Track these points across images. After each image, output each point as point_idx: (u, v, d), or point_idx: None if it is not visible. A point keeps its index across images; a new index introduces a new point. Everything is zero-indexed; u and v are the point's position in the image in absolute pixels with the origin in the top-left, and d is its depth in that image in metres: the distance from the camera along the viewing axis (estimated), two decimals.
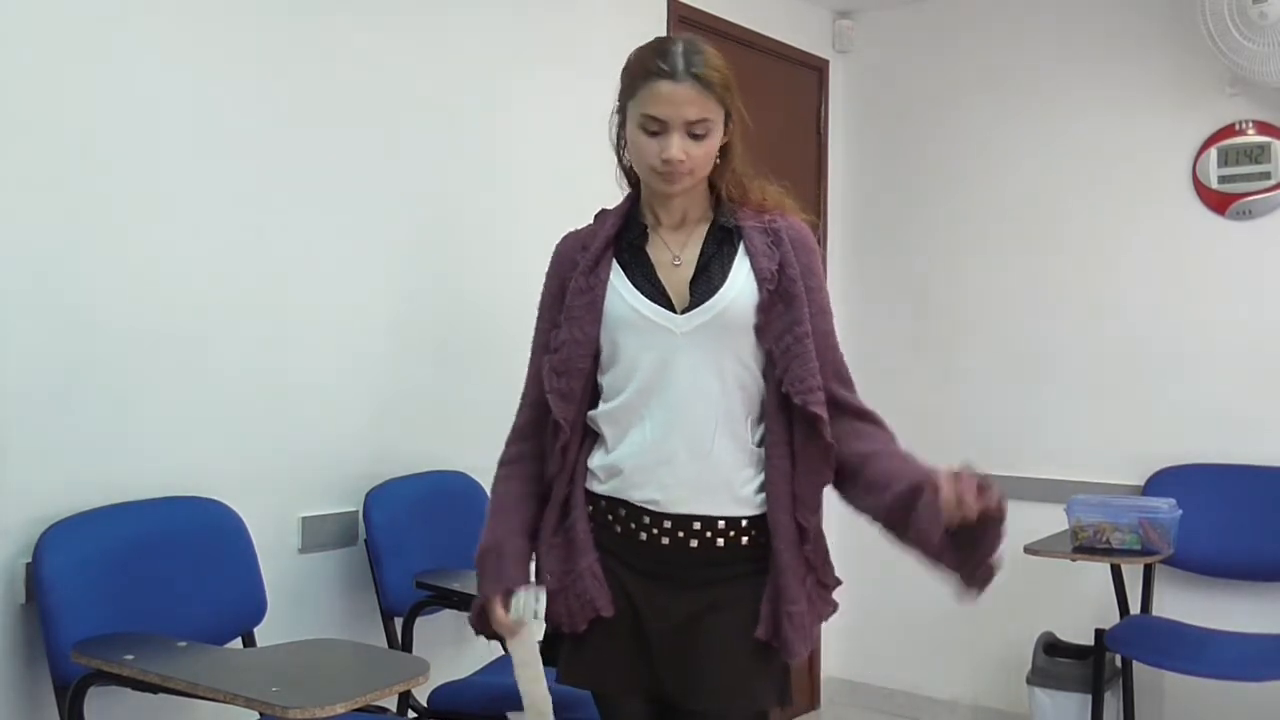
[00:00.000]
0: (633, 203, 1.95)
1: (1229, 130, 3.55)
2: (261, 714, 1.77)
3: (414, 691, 2.48)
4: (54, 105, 2.12)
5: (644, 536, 1.84)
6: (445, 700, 2.52)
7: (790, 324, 1.82)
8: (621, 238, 1.90)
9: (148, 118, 2.26)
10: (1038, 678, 3.53)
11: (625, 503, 1.85)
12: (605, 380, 1.88)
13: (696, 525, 1.82)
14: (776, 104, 3.93)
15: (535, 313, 2.00)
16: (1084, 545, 3.09)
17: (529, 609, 1.78)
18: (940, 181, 4.10)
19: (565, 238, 2.00)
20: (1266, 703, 3.33)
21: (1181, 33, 3.55)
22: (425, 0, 2.80)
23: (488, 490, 2.84)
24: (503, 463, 2.00)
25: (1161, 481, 3.54)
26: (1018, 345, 3.92)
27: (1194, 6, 3.39)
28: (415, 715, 2.55)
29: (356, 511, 2.63)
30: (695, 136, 1.79)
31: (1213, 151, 3.57)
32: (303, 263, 2.54)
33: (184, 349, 2.32)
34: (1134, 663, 3.38)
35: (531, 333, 1.98)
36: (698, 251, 1.87)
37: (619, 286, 1.86)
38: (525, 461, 1.95)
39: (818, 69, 4.21)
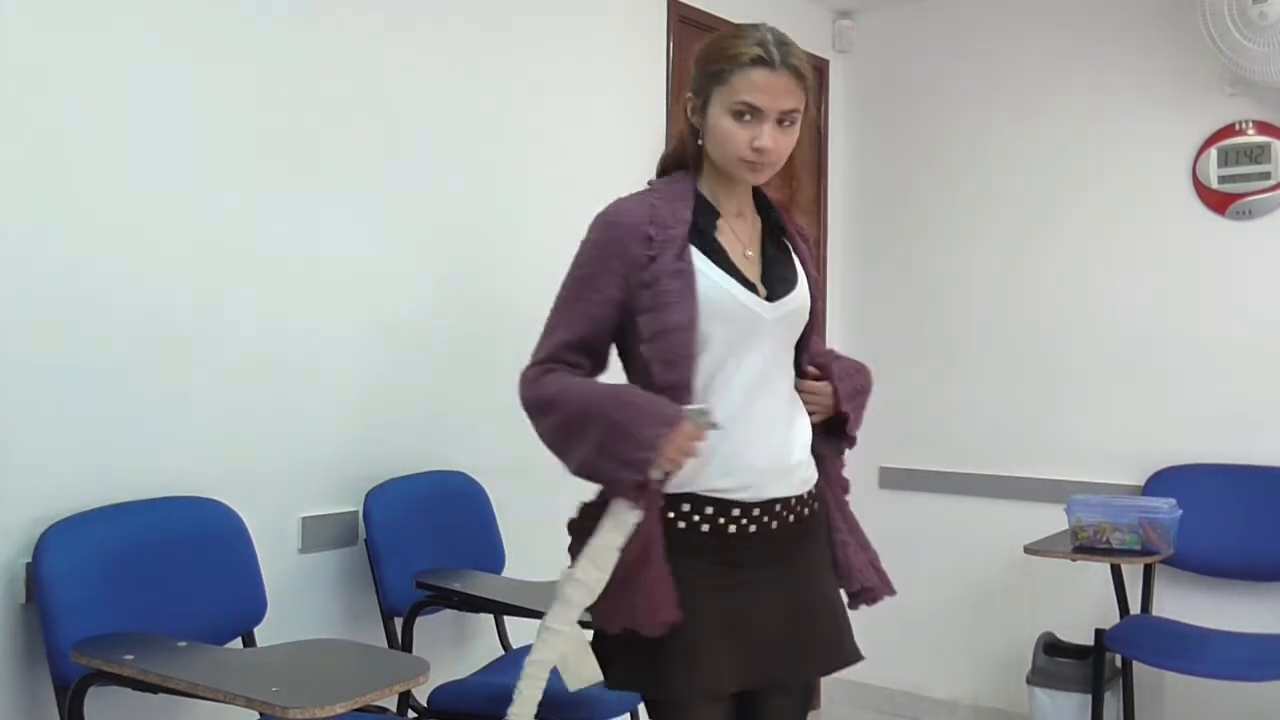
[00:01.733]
0: (696, 184, 1.92)
1: (1229, 130, 3.55)
2: (261, 714, 1.76)
3: (414, 691, 2.48)
4: (55, 103, 2.12)
5: (733, 529, 1.84)
6: (445, 700, 2.53)
7: (818, 320, 2.01)
8: (696, 225, 1.86)
9: (149, 115, 2.26)
10: (1038, 678, 3.53)
11: (709, 499, 1.83)
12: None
13: (778, 508, 1.88)
14: None
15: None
16: (1084, 545, 3.09)
17: (709, 417, 1.73)
18: (940, 181, 4.10)
19: (624, 207, 1.88)
20: (1266, 703, 3.33)
21: (1181, 33, 3.55)
22: (426, 3, 2.80)
23: (488, 490, 2.88)
24: (538, 372, 1.86)
25: (1161, 481, 3.54)
26: (1018, 345, 3.92)
27: (1194, 6, 3.39)
28: (415, 715, 2.55)
29: (356, 511, 2.62)
30: (783, 127, 1.82)
31: (1213, 151, 3.57)
32: (303, 263, 2.54)
33: (184, 349, 2.31)
34: (1134, 663, 3.38)
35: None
36: (760, 246, 1.94)
37: (706, 270, 1.82)
38: (569, 369, 1.86)
39: (818, 69, 4.21)
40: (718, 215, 1.90)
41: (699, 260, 1.83)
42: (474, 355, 2.92)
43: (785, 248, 1.97)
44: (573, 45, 3.23)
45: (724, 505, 1.84)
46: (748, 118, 1.80)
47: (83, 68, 2.16)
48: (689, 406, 1.74)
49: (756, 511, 1.85)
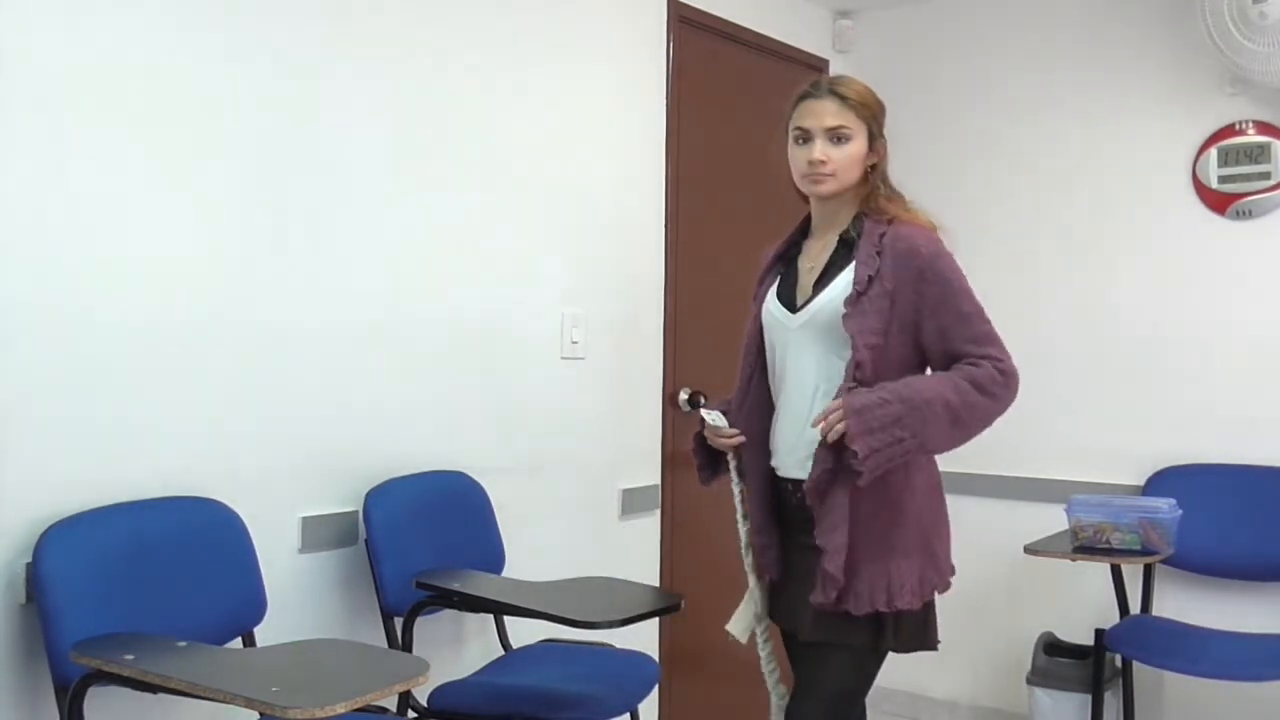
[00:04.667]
0: (803, 220, 2.34)
1: (1229, 130, 3.55)
2: (261, 714, 1.76)
3: (414, 691, 2.48)
4: (56, 102, 2.11)
5: (784, 496, 2.27)
6: (445, 700, 2.53)
7: (870, 329, 2.09)
8: (787, 251, 2.33)
9: (148, 114, 2.26)
10: (1038, 677, 3.53)
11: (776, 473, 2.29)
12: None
13: (791, 486, 2.24)
14: (776, 104, 3.92)
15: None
16: (1084, 545, 3.09)
17: (708, 414, 2.34)
18: (939, 181, 4.08)
19: (764, 253, 2.41)
20: (1266, 703, 3.33)
21: (1181, 33, 3.55)
22: (425, 1, 2.81)
23: (488, 490, 2.89)
24: None
25: (1161, 481, 3.54)
26: (1017, 345, 3.83)
27: (1194, 6, 3.39)
28: (415, 715, 2.55)
29: (356, 511, 2.62)
30: (835, 142, 2.17)
31: (1213, 151, 3.57)
32: (303, 263, 2.54)
33: (184, 348, 2.31)
34: (1134, 663, 3.38)
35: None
36: (826, 258, 2.22)
37: (770, 291, 2.31)
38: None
39: (818, 69, 4.20)
40: (805, 238, 2.31)
41: (773, 282, 2.31)
42: (474, 355, 2.92)
43: (847, 257, 2.17)
44: (572, 45, 3.22)
45: (779, 477, 2.27)
46: (803, 140, 2.20)
47: (87, 67, 2.16)
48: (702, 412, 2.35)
49: (790, 487, 2.24)
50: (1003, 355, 2.15)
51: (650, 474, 3.49)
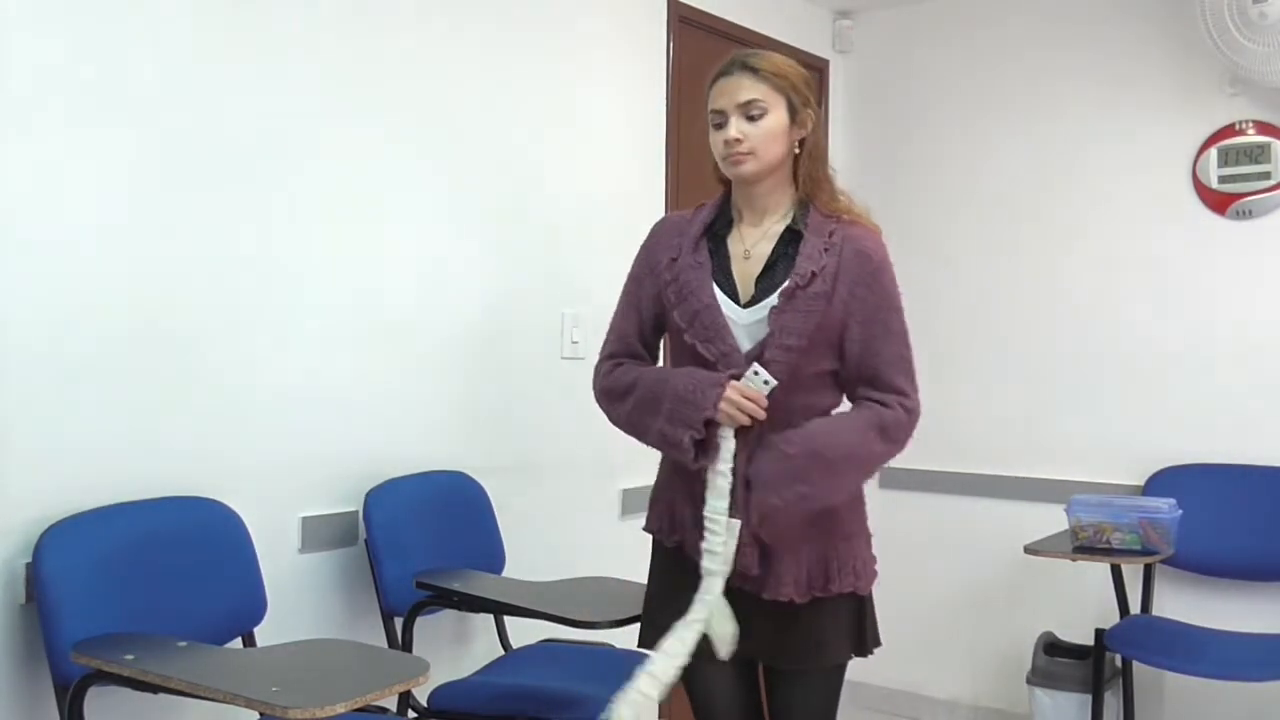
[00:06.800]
0: (725, 198, 2.15)
1: (1229, 130, 3.55)
2: (261, 714, 1.77)
3: (414, 691, 2.48)
4: (52, 102, 2.11)
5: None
6: (445, 700, 2.53)
7: (793, 330, 1.96)
8: (713, 227, 2.11)
9: (147, 115, 2.26)
10: (1038, 678, 3.53)
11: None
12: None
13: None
14: None
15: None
16: (1084, 545, 3.09)
17: (762, 375, 1.95)
18: (940, 181, 4.10)
19: (663, 220, 2.23)
20: (1266, 703, 3.33)
21: (1181, 33, 3.55)
22: (424, 1, 2.80)
23: (488, 490, 2.88)
24: (610, 366, 2.17)
25: (1161, 481, 3.54)
26: (1017, 345, 3.92)
27: (1194, 6, 3.39)
28: (415, 715, 2.55)
29: (356, 511, 2.62)
30: (751, 118, 2.00)
31: (1213, 151, 3.57)
32: (304, 263, 2.54)
33: (184, 349, 2.31)
34: (1134, 663, 3.38)
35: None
36: (769, 249, 2.05)
37: (704, 275, 2.06)
38: (634, 360, 2.17)
39: (818, 69, 4.20)
40: (733, 221, 2.10)
41: (697, 262, 2.07)
42: (474, 355, 2.92)
43: (795, 251, 2.02)
44: (573, 45, 3.22)
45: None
46: (719, 123, 2.03)
47: (86, 65, 2.15)
48: (746, 370, 1.96)
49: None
50: (911, 391, 2.07)
51: (650, 474, 3.46)
